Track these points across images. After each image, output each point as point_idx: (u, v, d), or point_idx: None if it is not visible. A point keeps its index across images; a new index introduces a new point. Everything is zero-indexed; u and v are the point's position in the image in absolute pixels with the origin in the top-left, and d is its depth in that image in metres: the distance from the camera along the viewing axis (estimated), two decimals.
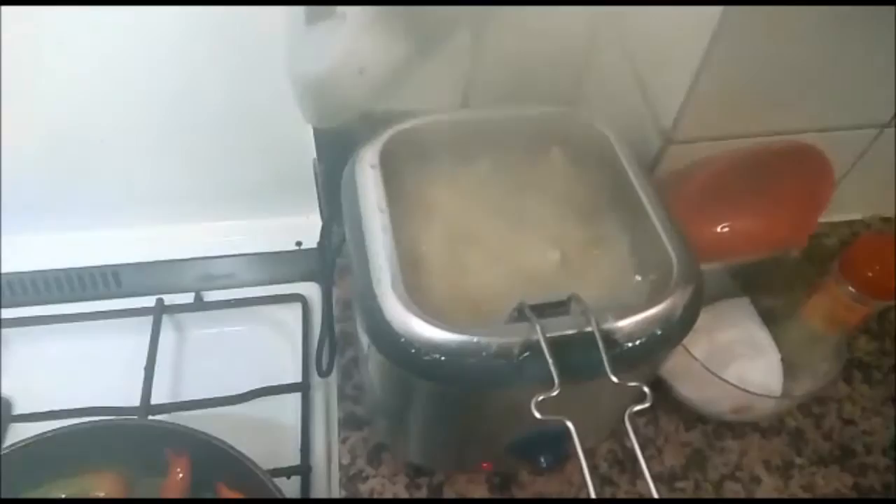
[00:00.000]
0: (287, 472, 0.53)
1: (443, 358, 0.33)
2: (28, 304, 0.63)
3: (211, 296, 0.64)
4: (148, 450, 0.49)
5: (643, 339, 0.34)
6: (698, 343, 0.50)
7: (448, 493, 0.49)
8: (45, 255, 0.65)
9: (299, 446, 0.55)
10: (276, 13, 0.49)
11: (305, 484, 0.53)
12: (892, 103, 0.50)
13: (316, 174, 0.62)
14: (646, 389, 0.32)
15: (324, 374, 0.56)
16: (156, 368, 0.58)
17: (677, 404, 0.53)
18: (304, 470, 0.54)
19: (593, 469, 0.51)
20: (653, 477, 0.31)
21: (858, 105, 0.49)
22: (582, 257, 0.40)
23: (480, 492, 0.49)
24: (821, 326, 0.49)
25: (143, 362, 0.58)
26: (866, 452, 0.53)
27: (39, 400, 0.57)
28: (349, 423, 0.52)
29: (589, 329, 0.33)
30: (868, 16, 0.42)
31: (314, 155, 0.61)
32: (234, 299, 0.64)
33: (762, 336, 0.54)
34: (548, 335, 0.32)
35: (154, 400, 0.57)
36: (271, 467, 0.50)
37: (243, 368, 0.60)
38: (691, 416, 0.53)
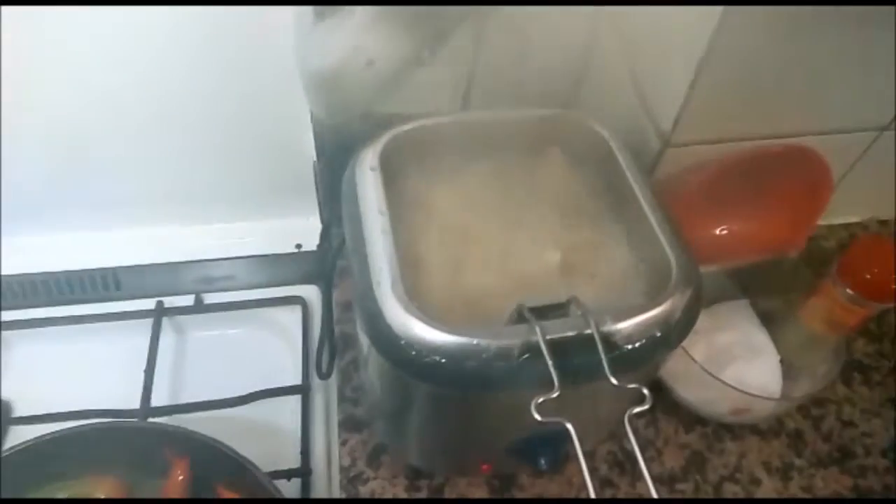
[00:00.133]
0: (287, 474, 0.53)
1: (443, 360, 0.33)
2: (28, 306, 0.63)
3: (211, 298, 0.64)
4: (148, 452, 0.49)
5: (642, 342, 0.34)
6: (697, 345, 0.51)
7: (448, 496, 0.49)
8: (45, 258, 0.65)
9: (299, 449, 0.55)
10: (278, 16, 0.49)
11: (305, 486, 0.53)
12: (891, 106, 0.50)
13: (316, 176, 0.62)
14: (645, 391, 0.32)
15: (324, 376, 0.56)
16: (156, 371, 0.58)
17: (677, 406, 0.53)
18: (304, 472, 0.54)
19: (593, 471, 0.50)
20: (652, 479, 0.31)
21: (857, 108, 0.50)
22: (581, 259, 0.40)
23: (480, 494, 0.49)
24: (819, 328, 0.50)
25: (143, 365, 0.58)
26: (865, 454, 0.53)
27: (39, 402, 0.57)
28: (349, 425, 0.53)
29: (588, 331, 0.33)
30: (866, 19, 0.42)
31: (314, 157, 0.61)
32: (234, 301, 0.64)
33: (761, 338, 0.54)
34: (547, 337, 0.32)
35: (154, 402, 0.57)
36: (271, 470, 0.50)
37: (243, 371, 0.60)
38: (691, 418, 0.53)
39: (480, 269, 0.39)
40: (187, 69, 0.55)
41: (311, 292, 0.65)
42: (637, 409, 0.31)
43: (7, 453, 0.47)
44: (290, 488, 0.53)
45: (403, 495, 0.49)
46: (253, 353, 0.63)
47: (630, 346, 0.34)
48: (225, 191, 0.66)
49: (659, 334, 0.35)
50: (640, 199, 0.40)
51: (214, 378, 0.59)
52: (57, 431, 0.48)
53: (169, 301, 0.63)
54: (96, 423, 0.50)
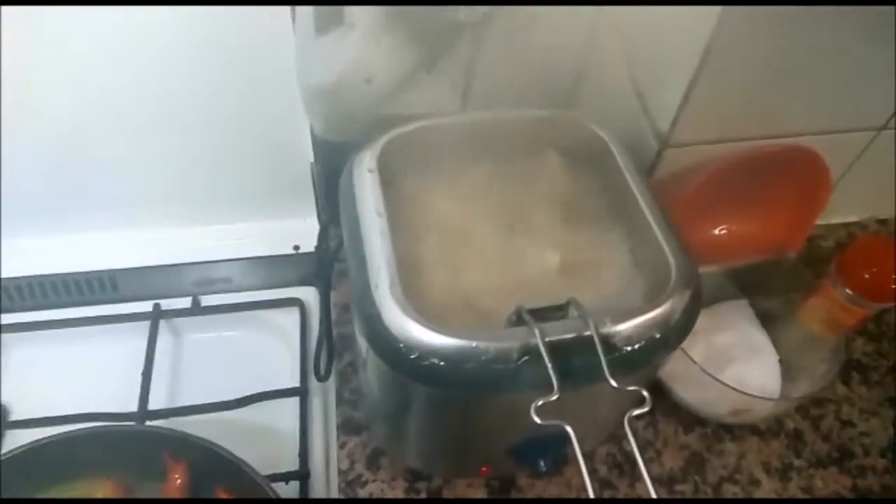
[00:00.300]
0: (285, 477, 0.53)
1: (441, 363, 0.33)
2: (25, 309, 0.63)
3: (208, 300, 0.64)
4: (146, 456, 0.49)
5: (642, 343, 0.34)
6: (697, 345, 0.51)
7: (447, 498, 0.49)
8: (42, 260, 0.64)
9: (298, 451, 0.55)
10: (278, 17, 0.49)
11: (304, 489, 0.53)
12: (888, 106, 0.50)
13: (314, 178, 0.62)
14: (645, 393, 0.32)
15: (322, 378, 0.56)
16: (153, 373, 0.58)
17: (676, 407, 0.53)
18: (302, 475, 0.53)
19: (592, 472, 0.50)
20: (652, 480, 0.31)
21: (855, 108, 0.50)
22: (580, 261, 0.40)
23: (479, 495, 0.49)
24: (818, 328, 0.50)
25: (141, 367, 0.58)
26: (864, 454, 0.53)
27: (36, 405, 0.57)
28: (347, 427, 0.52)
29: (587, 333, 0.33)
30: (864, 20, 0.42)
31: (312, 159, 0.61)
32: (232, 304, 0.64)
33: (760, 338, 0.54)
34: (546, 339, 0.32)
35: (151, 405, 0.56)
36: (270, 472, 0.50)
37: (241, 373, 0.60)
38: (690, 419, 0.53)
39: (479, 270, 0.39)
40: (185, 71, 0.55)
41: (309, 294, 0.65)
42: (637, 412, 0.31)
43: (4, 457, 0.46)
44: (288, 491, 0.53)
45: (402, 497, 0.49)
46: (251, 355, 0.63)
47: (629, 348, 0.34)
48: (223, 192, 0.66)
49: (658, 336, 0.35)
50: (639, 199, 0.39)
51: (212, 380, 0.59)
52: (54, 435, 0.48)
53: (166, 303, 0.63)
54: (94, 427, 0.49)
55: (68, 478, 0.49)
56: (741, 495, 0.50)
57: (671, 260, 0.37)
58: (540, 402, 0.30)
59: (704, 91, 0.44)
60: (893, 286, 0.45)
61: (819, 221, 0.53)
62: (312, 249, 0.66)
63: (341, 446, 0.51)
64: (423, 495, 0.49)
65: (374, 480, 0.50)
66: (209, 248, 0.67)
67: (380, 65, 0.36)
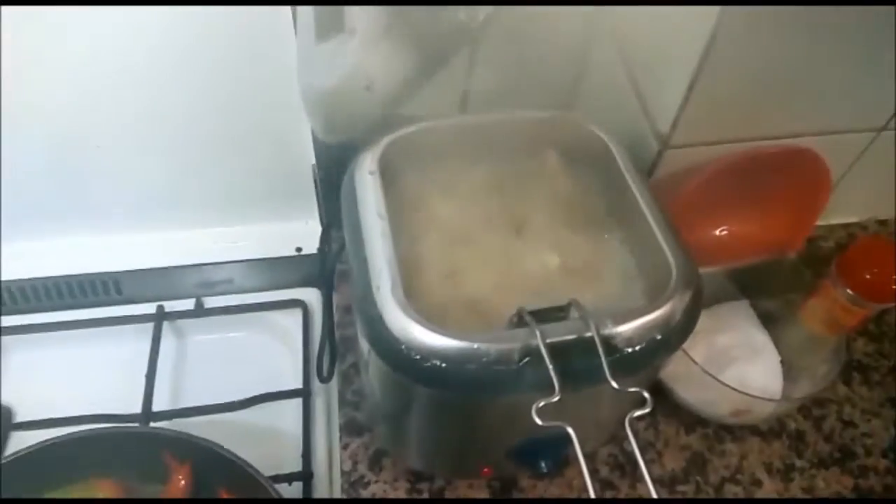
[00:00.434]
0: (289, 478, 0.53)
1: (443, 364, 0.33)
2: (29, 311, 0.63)
3: (211, 302, 0.64)
4: (149, 457, 0.49)
5: (643, 344, 0.34)
6: (698, 346, 0.51)
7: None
8: (46, 263, 0.65)
9: (301, 452, 0.55)
10: (280, 21, 0.49)
11: (307, 490, 0.53)
12: (888, 106, 0.50)
13: (315, 180, 0.62)
14: (646, 395, 0.32)
15: (324, 379, 0.56)
16: (157, 375, 0.58)
17: (677, 407, 0.53)
18: (305, 476, 0.54)
19: (593, 472, 0.50)
20: (653, 480, 0.31)
21: (855, 109, 0.50)
22: (581, 262, 0.40)
23: (481, 496, 0.49)
24: (819, 329, 0.50)
25: (144, 369, 0.58)
26: (866, 454, 0.53)
27: (40, 408, 0.57)
28: (350, 428, 0.53)
29: (588, 334, 0.33)
30: (863, 20, 0.42)
31: (313, 160, 0.61)
32: (235, 305, 0.64)
33: (762, 338, 0.54)
34: (547, 341, 0.32)
35: (155, 407, 0.57)
36: (273, 473, 0.50)
37: (244, 374, 0.60)
38: (691, 420, 0.53)
39: (480, 272, 0.39)
40: (187, 73, 0.55)
41: (311, 295, 0.65)
42: (638, 413, 0.31)
43: (9, 459, 0.47)
44: (291, 492, 0.53)
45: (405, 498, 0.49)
46: (254, 356, 0.63)
47: (630, 349, 0.34)
48: (225, 194, 0.66)
49: (659, 337, 0.35)
50: (639, 200, 0.40)
51: (215, 382, 0.59)
52: (58, 437, 0.48)
53: (169, 305, 0.63)
54: (98, 429, 0.50)
55: (72, 479, 0.49)
56: (743, 496, 0.50)
57: (672, 261, 0.37)
58: (541, 404, 0.31)
59: (704, 92, 0.44)
60: (894, 287, 0.45)
61: (819, 222, 0.53)
62: (315, 251, 0.66)
63: (344, 447, 0.52)
64: (426, 496, 0.49)
65: (376, 481, 0.50)
66: (212, 250, 0.67)
67: (379, 71, 0.36)
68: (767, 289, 0.54)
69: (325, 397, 0.59)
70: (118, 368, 0.60)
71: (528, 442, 0.41)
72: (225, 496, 0.49)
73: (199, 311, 0.64)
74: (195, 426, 0.54)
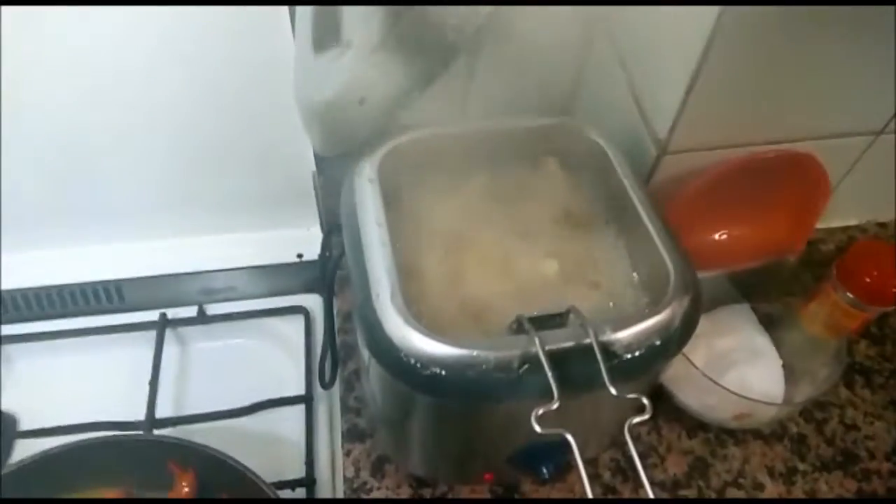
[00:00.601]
0: (292, 484, 0.53)
1: (442, 372, 0.33)
2: (32, 319, 0.64)
3: (213, 309, 0.65)
4: (153, 465, 0.49)
5: (642, 351, 0.34)
6: (699, 350, 0.51)
7: None
8: (48, 271, 0.65)
9: (304, 458, 0.55)
10: (280, 29, 0.50)
11: (310, 496, 0.53)
12: (886, 110, 0.50)
13: (316, 186, 0.63)
14: (645, 401, 0.32)
15: (326, 386, 0.56)
16: (160, 382, 0.59)
17: (679, 412, 0.53)
18: (308, 482, 0.54)
19: (596, 478, 0.51)
20: (656, 485, 0.31)
21: (853, 112, 0.50)
22: (579, 268, 0.40)
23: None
24: (820, 332, 0.50)
25: (148, 376, 0.59)
26: (869, 457, 0.53)
27: (44, 416, 0.57)
28: (352, 435, 0.53)
29: (587, 341, 0.33)
30: (861, 23, 0.42)
31: (314, 168, 0.62)
32: (237, 312, 0.64)
33: (763, 342, 0.54)
34: (546, 348, 0.33)
35: (158, 414, 0.57)
36: (276, 480, 0.50)
37: (247, 381, 0.60)
38: (693, 424, 0.53)
39: (479, 279, 0.39)
40: (187, 80, 0.55)
41: (313, 302, 0.65)
42: (637, 419, 0.31)
43: (14, 468, 0.47)
44: (294, 498, 0.53)
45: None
46: (256, 363, 0.63)
47: (629, 356, 0.34)
48: (226, 201, 0.67)
49: (658, 343, 0.35)
50: (638, 206, 0.40)
51: (218, 389, 0.60)
52: (62, 445, 0.48)
53: (172, 312, 0.64)
54: (101, 437, 0.50)
55: (77, 487, 0.50)
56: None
57: (670, 266, 0.37)
58: (540, 411, 0.31)
59: (702, 97, 0.44)
60: (894, 290, 0.45)
61: (819, 225, 0.53)
62: (316, 257, 0.66)
63: (346, 454, 0.52)
64: None
65: (378, 488, 0.50)
66: (214, 258, 0.67)
67: (374, 85, 0.36)
68: (768, 292, 0.54)
69: (328, 403, 0.59)
70: (121, 376, 0.60)
71: (529, 448, 0.41)
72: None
73: (202, 319, 0.64)
74: (198, 433, 0.54)
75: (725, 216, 0.50)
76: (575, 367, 0.33)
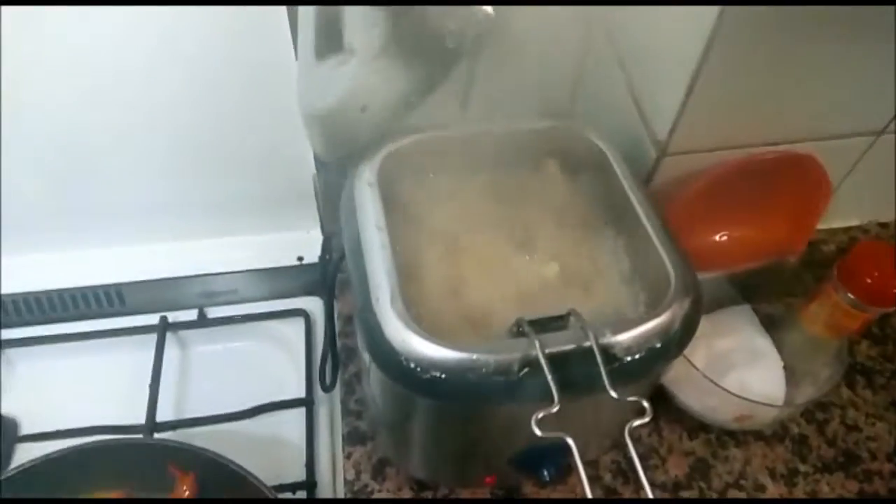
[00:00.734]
0: (292, 487, 0.53)
1: (442, 375, 0.33)
2: (33, 323, 0.64)
3: (214, 312, 0.65)
4: (154, 468, 0.49)
5: (642, 353, 0.34)
6: (700, 351, 0.51)
7: None
8: (48, 275, 0.65)
9: (304, 461, 0.55)
10: (281, 30, 0.50)
11: (311, 499, 0.53)
12: (887, 110, 0.50)
13: (316, 189, 0.63)
14: (645, 404, 0.32)
15: (327, 388, 0.57)
16: (160, 386, 0.59)
17: (680, 413, 0.53)
18: (309, 485, 0.54)
19: (597, 480, 0.51)
20: (657, 487, 0.31)
21: (853, 113, 0.50)
22: (579, 271, 0.40)
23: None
24: (821, 333, 0.49)
25: (148, 380, 0.59)
26: (871, 458, 0.53)
27: (45, 419, 0.57)
28: (353, 437, 0.53)
29: (587, 344, 0.33)
30: (861, 23, 0.42)
31: (314, 170, 0.62)
32: (237, 315, 0.64)
33: (764, 343, 0.54)
34: (546, 351, 0.32)
35: (159, 417, 0.57)
36: (276, 483, 0.50)
37: (247, 384, 0.60)
38: (694, 425, 0.53)
39: (479, 282, 0.39)
40: (187, 83, 0.55)
41: (313, 304, 0.65)
42: (637, 423, 0.31)
43: (14, 471, 0.47)
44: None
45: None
46: (257, 366, 0.63)
47: (629, 358, 0.34)
48: (226, 204, 0.67)
49: (659, 345, 0.35)
50: (638, 209, 0.40)
51: (219, 392, 0.60)
52: (63, 449, 0.48)
53: (173, 316, 0.64)
54: (102, 441, 0.50)
55: (78, 491, 0.50)
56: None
57: (670, 269, 0.37)
58: (541, 415, 0.31)
59: (702, 98, 0.44)
60: (895, 291, 0.44)
61: (820, 226, 0.52)
62: (316, 260, 0.66)
63: (347, 456, 0.52)
64: None
65: (379, 490, 0.50)
66: (214, 261, 0.67)
67: (375, 93, 0.37)
68: (769, 293, 0.54)
69: (328, 406, 0.59)
70: (122, 379, 0.60)
71: (530, 450, 0.41)
72: None
73: (202, 322, 0.64)
74: (199, 436, 0.54)
75: (726, 217, 0.50)
76: (575, 370, 0.33)
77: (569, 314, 0.35)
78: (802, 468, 0.52)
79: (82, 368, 0.61)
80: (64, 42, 0.51)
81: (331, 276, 0.56)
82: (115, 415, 0.57)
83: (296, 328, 0.64)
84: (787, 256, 0.52)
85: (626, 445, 0.32)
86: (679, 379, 0.51)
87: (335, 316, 0.57)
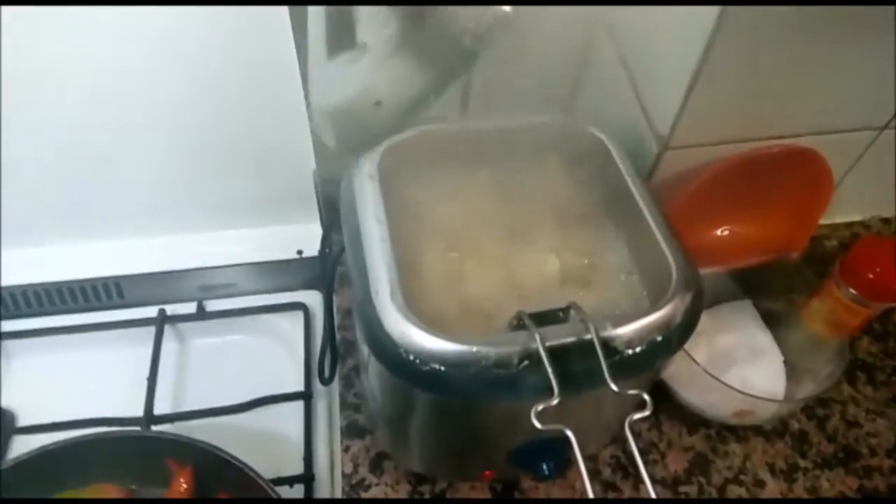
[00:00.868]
0: (290, 480, 0.53)
1: (442, 368, 0.33)
2: (31, 315, 0.64)
3: (213, 305, 0.65)
4: (151, 461, 0.49)
5: (643, 347, 0.34)
6: (701, 347, 0.50)
7: None
8: (48, 268, 0.65)
9: (302, 455, 0.55)
10: (281, 25, 0.49)
11: (308, 492, 0.53)
12: (889, 105, 0.50)
13: (316, 183, 0.62)
14: (646, 397, 0.32)
15: (326, 382, 0.56)
16: (158, 379, 0.59)
17: (680, 408, 0.53)
18: (307, 478, 0.54)
19: (596, 474, 0.50)
20: (656, 482, 0.31)
21: (856, 108, 0.49)
22: (580, 265, 0.40)
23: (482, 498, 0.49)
24: (822, 329, 0.49)
25: (146, 373, 0.59)
26: (871, 454, 0.52)
27: (43, 411, 0.57)
28: (351, 431, 0.53)
29: (588, 337, 0.33)
30: (863, 19, 0.42)
31: (314, 164, 0.61)
32: (236, 308, 0.64)
33: (765, 339, 0.54)
34: (547, 344, 0.32)
35: (157, 410, 0.57)
36: (274, 476, 0.50)
37: (246, 378, 0.60)
38: (694, 420, 0.53)
39: (480, 275, 0.39)
40: (188, 77, 0.55)
41: (312, 298, 0.65)
42: (638, 416, 0.31)
43: (11, 463, 0.47)
44: (293, 495, 0.53)
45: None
46: (255, 359, 0.63)
47: (630, 352, 0.34)
48: (226, 198, 0.66)
49: (659, 339, 0.35)
50: (640, 203, 0.39)
51: (217, 385, 0.60)
52: (60, 441, 0.48)
53: (171, 309, 0.64)
54: (99, 433, 0.50)
55: (74, 483, 0.49)
56: (746, 497, 0.50)
57: (672, 263, 0.37)
58: (540, 407, 0.30)
59: (704, 93, 0.44)
60: None
61: (822, 221, 0.52)
62: (315, 254, 0.66)
63: (345, 450, 0.52)
64: (427, 499, 0.49)
65: (377, 484, 0.50)
66: (213, 254, 0.67)
67: (389, 89, 0.37)
68: (770, 289, 0.54)
69: (327, 400, 0.59)
70: (120, 372, 0.60)
71: (530, 445, 0.41)
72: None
73: (201, 315, 0.64)
74: (197, 429, 0.54)
75: (727, 212, 0.50)
76: (575, 364, 0.33)
77: (569, 307, 0.35)
78: (802, 464, 0.52)
79: (80, 361, 0.61)
80: (63, 40, 0.51)
81: (330, 269, 0.56)
82: (112, 407, 0.57)
83: (294, 322, 0.64)
84: (788, 252, 0.52)
85: (626, 439, 0.31)
86: (679, 374, 0.51)
87: (334, 309, 0.57)
